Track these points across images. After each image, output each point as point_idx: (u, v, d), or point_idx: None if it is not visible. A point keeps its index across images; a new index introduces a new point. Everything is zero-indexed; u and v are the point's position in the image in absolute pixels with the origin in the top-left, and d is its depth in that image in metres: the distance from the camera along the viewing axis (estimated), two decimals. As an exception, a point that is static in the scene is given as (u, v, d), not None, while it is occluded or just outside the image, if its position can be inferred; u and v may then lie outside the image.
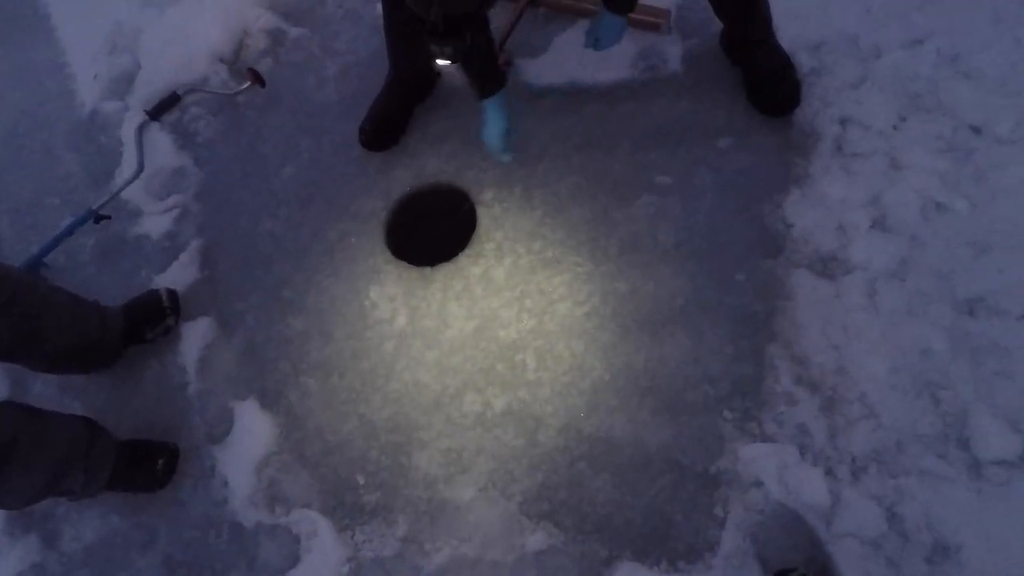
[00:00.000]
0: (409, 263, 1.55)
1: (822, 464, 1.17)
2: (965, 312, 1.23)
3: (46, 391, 1.58)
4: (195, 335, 1.56)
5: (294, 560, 1.30)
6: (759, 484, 1.19)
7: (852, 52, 1.52)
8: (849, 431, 1.19)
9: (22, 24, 2.35)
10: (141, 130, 1.84)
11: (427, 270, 1.53)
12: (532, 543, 1.24)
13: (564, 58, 1.71)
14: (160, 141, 1.85)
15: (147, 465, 1.38)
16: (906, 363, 1.21)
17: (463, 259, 1.52)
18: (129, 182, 1.74)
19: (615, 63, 1.66)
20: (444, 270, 1.52)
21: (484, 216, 1.56)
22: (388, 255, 1.57)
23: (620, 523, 1.23)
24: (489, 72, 1.34)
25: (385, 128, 1.70)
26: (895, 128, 1.41)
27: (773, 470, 1.18)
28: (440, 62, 1.12)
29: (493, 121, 1.39)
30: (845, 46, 1.53)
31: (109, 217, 1.72)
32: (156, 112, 1.86)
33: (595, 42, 1.46)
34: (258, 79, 1.83)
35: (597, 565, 1.20)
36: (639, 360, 1.36)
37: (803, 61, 1.53)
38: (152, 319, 1.55)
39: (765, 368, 1.28)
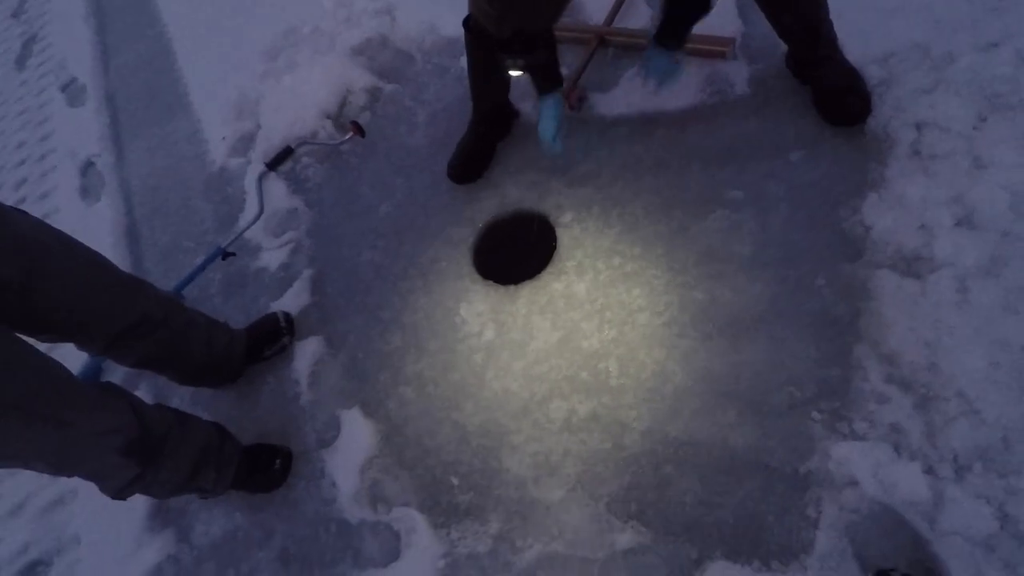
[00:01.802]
0: (496, 282, 1.67)
1: (921, 461, 1.14)
2: (1069, 305, 1.19)
3: (181, 404, 1.80)
4: (306, 353, 1.74)
5: (395, 555, 1.39)
6: (854, 483, 1.16)
7: (923, 61, 1.53)
8: (948, 429, 1.15)
9: (164, 102, 2.79)
10: (261, 179, 2.12)
11: (512, 288, 1.64)
12: (621, 542, 1.26)
13: (633, 91, 1.83)
14: (276, 188, 2.12)
15: (266, 467, 1.54)
16: (1007, 358, 1.17)
17: (546, 276, 1.63)
18: (251, 223, 2.00)
19: (682, 92, 1.76)
20: (528, 287, 1.63)
21: (564, 236, 1.67)
22: (476, 276, 1.70)
23: (709, 524, 1.23)
24: (549, 74, 1.54)
25: (470, 163, 1.87)
26: (975, 128, 1.40)
27: (868, 469, 1.16)
28: (513, 72, 1.25)
29: (547, 116, 1.59)
30: (915, 55, 1.55)
31: (235, 254, 1.97)
32: (273, 163, 2.15)
33: (656, 84, 1.59)
34: (359, 130, 2.07)
35: (688, 564, 1.21)
36: (720, 365, 1.38)
37: (872, 73, 1.56)
38: (270, 339, 1.75)
39: (852, 368, 1.27)
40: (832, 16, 1.57)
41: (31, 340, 1.29)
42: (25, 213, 1.29)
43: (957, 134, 1.41)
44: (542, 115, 1.60)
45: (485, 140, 1.88)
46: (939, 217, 1.32)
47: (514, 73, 1.25)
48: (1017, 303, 1.21)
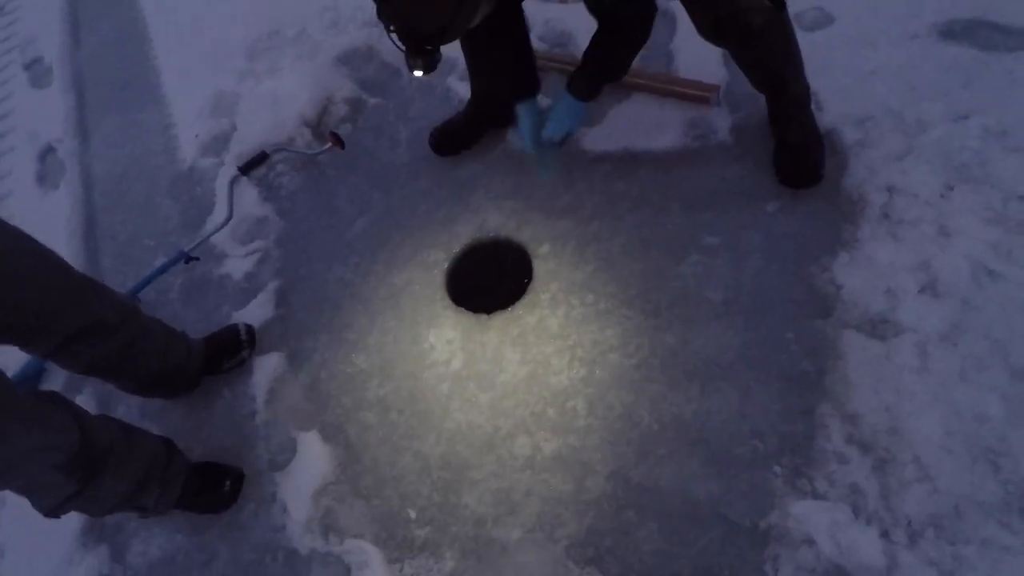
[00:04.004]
0: (468, 310, 1.65)
1: (876, 525, 1.16)
2: (1022, 379, 1.23)
3: (129, 414, 1.71)
4: (266, 368, 1.67)
5: (345, 590, 1.34)
6: (810, 542, 1.18)
7: (897, 126, 1.59)
8: (903, 493, 1.18)
9: (137, 89, 2.69)
10: (232, 183, 2.05)
11: (484, 317, 1.62)
12: (578, 589, 1.24)
13: (618, 128, 1.84)
14: (248, 193, 2.05)
15: (214, 487, 1.47)
16: (961, 427, 1.20)
17: (519, 308, 1.61)
18: (219, 228, 1.93)
19: (667, 132, 1.78)
20: (500, 317, 1.61)
21: (540, 268, 1.66)
22: (448, 302, 1.67)
23: (666, 574, 1.23)
24: (521, 80, 1.54)
25: (452, 136, 1.89)
26: (942, 197, 1.45)
27: (825, 528, 1.17)
28: (416, 73, 1.17)
29: (522, 123, 1.56)
30: (890, 121, 1.60)
31: (198, 259, 1.90)
32: (246, 168, 2.08)
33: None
34: (338, 142, 2.03)
35: (643, 615, 1.20)
36: (688, 412, 1.38)
37: (848, 134, 1.61)
38: (229, 351, 1.68)
39: (815, 426, 1.29)
40: (818, 73, 1.61)
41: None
42: (-27, 208, 1.21)
43: (925, 201, 1.46)
44: (519, 123, 1.57)
45: (475, 120, 1.89)
46: (904, 282, 1.36)
47: (416, 73, 1.19)
48: (972, 372, 1.25)
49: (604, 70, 1.47)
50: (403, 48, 1.12)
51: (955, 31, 1.72)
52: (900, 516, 1.16)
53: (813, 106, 1.63)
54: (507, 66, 1.53)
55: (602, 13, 1.38)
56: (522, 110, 1.55)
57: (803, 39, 1.61)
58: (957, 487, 1.16)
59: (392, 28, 1.10)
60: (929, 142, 1.54)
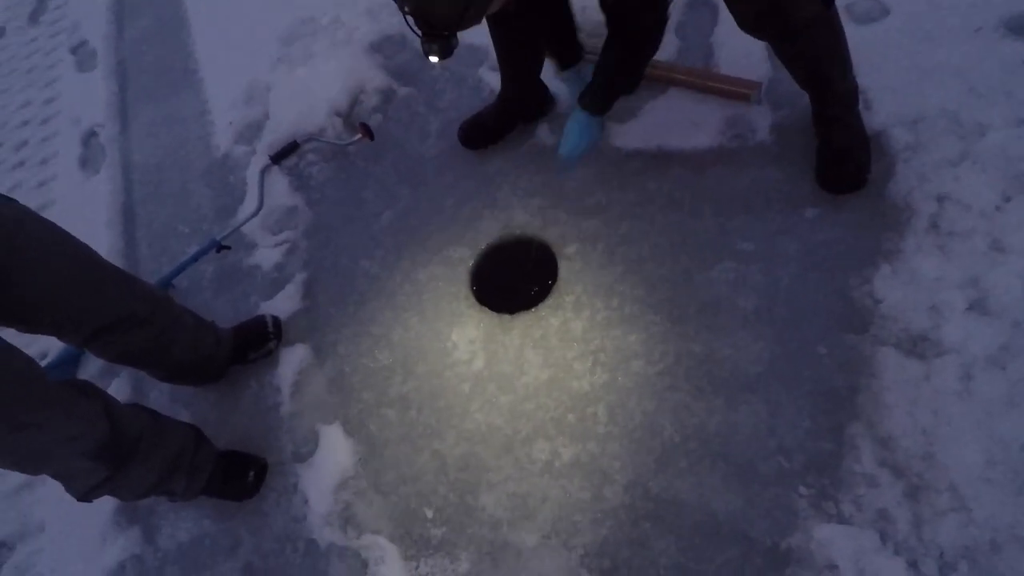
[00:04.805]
0: (491, 309, 1.63)
1: (905, 555, 1.11)
2: (1075, 408, 1.15)
3: (160, 400, 1.76)
4: (292, 360, 1.70)
5: (361, 584, 1.36)
6: (833, 567, 1.14)
7: (952, 129, 1.49)
8: (936, 523, 1.12)
9: (174, 77, 2.73)
10: (264, 172, 2.07)
11: (507, 317, 1.60)
12: (591, 599, 1.24)
13: (652, 124, 1.78)
14: (279, 183, 2.07)
15: (239, 476, 1.51)
16: (1005, 456, 1.14)
17: (543, 309, 1.59)
18: (249, 218, 1.95)
19: (702, 131, 1.71)
20: (523, 318, 1.59)
21: (566, 269, 1.63)
22: (472, 300, 1.66)
23: (682, 590, 1.21)
24: (563, 47, 1.52)
25: (481, 129, 1.87)
26: (998, 209, 1.36)
27: (850, 555, 1.13)
28: (431, 58, 1.14)
29: (570, 131, 1.52)
30: (945, 123, 1.50)
31: (229, 248, 1.93)
32: (278, 157, 2.10)
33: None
34: (368, 133, 2.02)
35: (656, 631, 1.18)
36: (712, 424, 1.35)
37: (899, 136, 1.52)
38: (256, 342, 1.71)
39: (845, 446, 1.24)
40: (868, 70, 1.52)
41: (8, 331, 1.25)
42: (12, 201, 1.25)
43: (979, 213, 1.37)
44: (567, 127, 1.53)
45: (505, 114, 1.86)
46: (951, 300, 1.28)
47: (432, 59, 1.15)
48: (1021, 399, 1.18)
49: (616, 82, 1.44)
50: (419, 33, 1.09)
51: (1023, 26, 1.59)
52: (932, 547, 1.11)
53: (861, 105, 1.54)
54: (538, 47, 1.48)
55: (614, 15, 1.33)
56: (576, 117, 1.51)
57: (854, 32, 1.52)
58: (995, 520, 1.10)
59: (407, 11, 1.06)
60: (987, 148, 1.44)
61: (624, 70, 1.43)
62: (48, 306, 1.26)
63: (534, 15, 1.45)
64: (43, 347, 1.88)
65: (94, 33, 3.12)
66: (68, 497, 1.30)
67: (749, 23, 1.33)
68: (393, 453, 1.50)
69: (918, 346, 1.28)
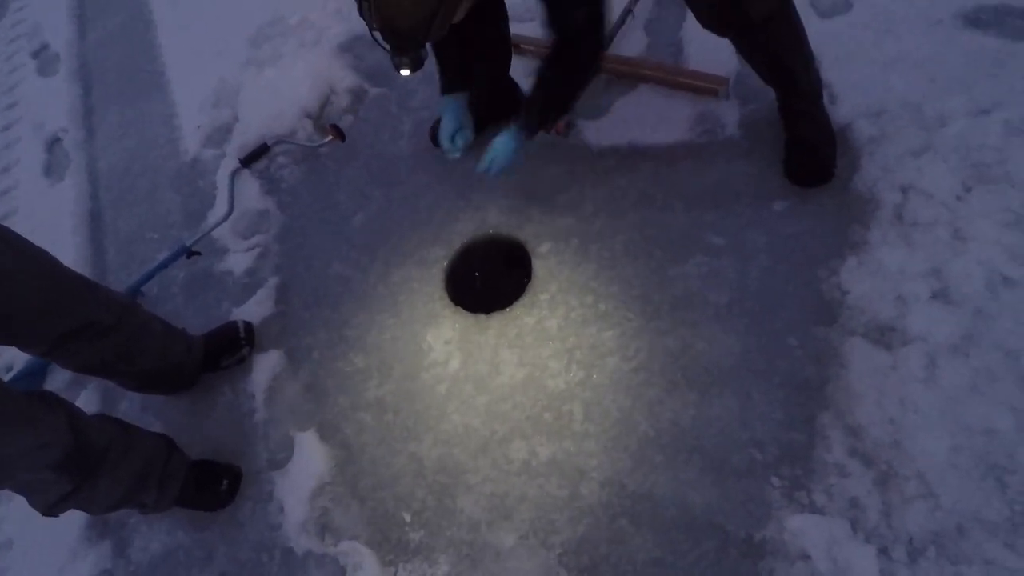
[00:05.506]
0: (466, 310, 1.63)
1: (875, 542, 1.13)
2: (1035, 393, 1.18)
3: (131, 409, 1.73)
4: (265, 366, 1.67)
5: (339, 591, 1.35)
6: (806, 557, 1.15)
7: (915, 120, 1.52)
8: (905, 509, 1.14)
9: (140, 80, 2.68)
10: (233, 176, 2.04)
11: (482, 317, 1.60)
12: (570, 597, 1.24)
13: (623, 121, 1.79)
14: (249, 186, 2.04)
15: (212, 485, 1.48)
16: (968, 442, 1.16)
17: (518, 308, 1.58)
18: (220, 222, 1.92)
19: (673, 126, 1.72)
20: (499, 318, 1.58)
21: (540, 268, 1.63)
22: (447, 301, 1.65)
23: (660, 585, 1.22)
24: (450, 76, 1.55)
25: None
26: (959, 199, 1.39)
27: (822, 544, 1.15)
28: (403, 72, 1.15)
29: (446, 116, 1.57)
30: (908, 114, 1.53)
31: (199, 253, 1.90)
32: (248, 160, 2.07)
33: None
34: (339, 134, 2.00)
35: (635, 626, 1.19)
36: (686, 419, 1.36)
37: (863, 128, 1.54)
38: (229, 349, 1.68)
39: (816, 437, 1.26)
40: (832, 64, 1.54)
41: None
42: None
43: (940, 203, 1.39)
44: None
45: (475, 113, 1.83)
46: (916, 289, 1.31)
47: (404, 72, 1.16)
48: (983, 385, 1.21)
49: (553, 103, 1.44)
50: (387, 48, 1.09)
51: (982, 19, 1.63)
52: (901, 533, 1.13)
53: (826, 99, 1.56)
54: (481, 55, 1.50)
55: (560, 32, 1.32)
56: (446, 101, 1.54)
57: (819, 26, 1.54)
58: (961, 505, 1.12)
59: (375, 27, 1.06)
60: (948, 139, 1.46)
61: (563, 90, 1.42)
62: (4, 317, 1.23)
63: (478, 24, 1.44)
64: (8, 360, 1.84)
65: (56, 36, 3.05)
66: (35, 515, 1.27)
67: (708, 19, 1.34)
68: (370, 457, 1.49)
69: (885, 336, 1.30)
